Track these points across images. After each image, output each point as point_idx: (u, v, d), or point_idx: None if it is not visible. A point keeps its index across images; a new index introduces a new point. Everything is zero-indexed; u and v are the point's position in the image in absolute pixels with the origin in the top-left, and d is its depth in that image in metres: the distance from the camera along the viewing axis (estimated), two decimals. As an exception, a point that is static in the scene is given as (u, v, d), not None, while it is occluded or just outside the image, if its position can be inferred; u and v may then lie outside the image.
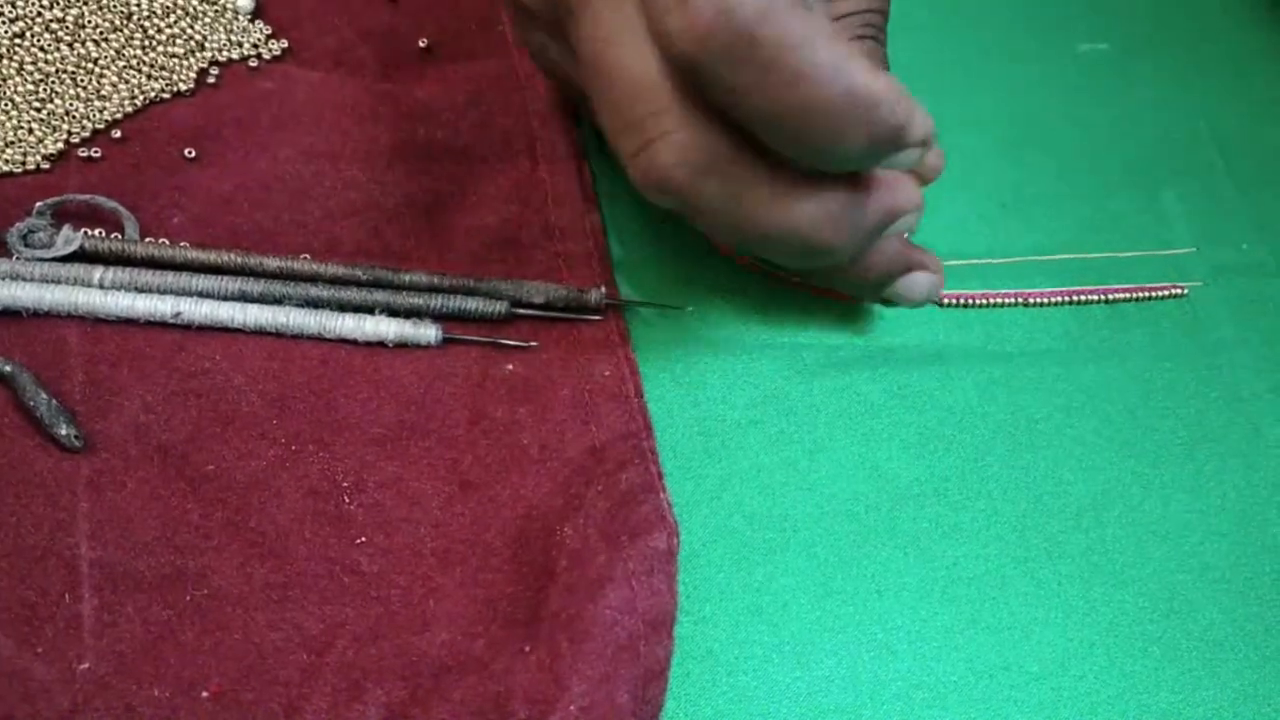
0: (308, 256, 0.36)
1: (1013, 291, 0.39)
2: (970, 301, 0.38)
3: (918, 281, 0.35)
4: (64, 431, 0.32)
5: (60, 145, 0.36)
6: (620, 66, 0.28)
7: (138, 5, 0.38)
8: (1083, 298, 0.39)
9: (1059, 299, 0.39)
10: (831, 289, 0.37)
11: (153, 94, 0.38)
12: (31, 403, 0.32)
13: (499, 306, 0.35)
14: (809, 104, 0.27)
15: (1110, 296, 0.39)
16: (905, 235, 0.36)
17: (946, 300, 0.38)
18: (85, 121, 0.37)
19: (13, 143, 0.36)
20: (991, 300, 0.39)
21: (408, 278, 0.35)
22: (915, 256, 0.35)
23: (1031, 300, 0.39)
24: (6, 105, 0.36)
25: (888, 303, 0.36)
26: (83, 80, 0.37)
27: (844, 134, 0.28)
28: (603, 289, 0.36)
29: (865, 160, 0.29)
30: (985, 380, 0.38)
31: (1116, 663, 0.33)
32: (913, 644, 0.33)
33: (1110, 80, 0.45)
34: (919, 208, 0.33)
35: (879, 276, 0.35)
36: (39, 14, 0.37)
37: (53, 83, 0.37)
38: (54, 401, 0.32)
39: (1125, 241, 0.41)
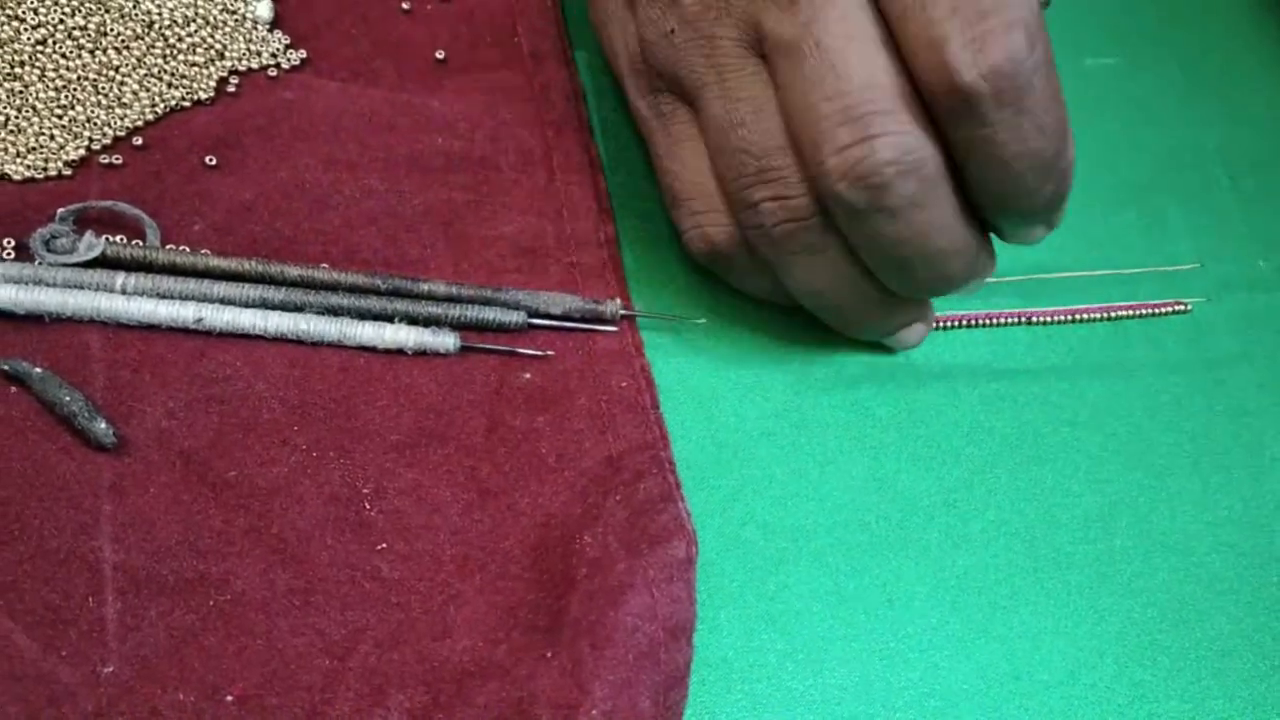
0: (327, 265, 0.36)
1: (1016, 311, 0.39)
2: (974, 322, 0.39)
3: (915, 331, 0.37)
4: (102, 426, 0.32)
5: (81, 152, 0.37)
6: (858, 64, 0.30)
7: (159, 14, 0.38)
8: (1086, 316, 0.39)
9: (1062, 318, 0.39)
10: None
11: (173, 102, 0.38)
12: (68, 397, 0.32)
13: (517, 317, 0.36)
14: (1040, 154, 0.30)
15: (1114, 314, 0.39)
16: None
17: (951, 322, 0.39)
18: (106, 129, 0.37)
19: (35, 149, 0.36)
20: (995, 320, 0.39)
21: (426, 287, 0.36)
22: (924, 309, 0.37)
23: (1035, 319, 0.39)
24: (28, 112, 0.37)
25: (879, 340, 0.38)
26: (104, 88, 0.37)
27: (1046, 185, 0.32)
28: (619, 301, 0.37)
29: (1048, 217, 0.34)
30: (991, 395, 0.38)
31: (1126, 672, 0.34)
32: (924, 652, 0.33)
33: (1117, 95, 0.46)
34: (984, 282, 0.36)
35: (901, 319, 0.37)
36: (61, 21, 0.37)
37: (74, 90, 0.37)
38: (87, 400, 0.32)
39: (1130, 256, 0.41)
